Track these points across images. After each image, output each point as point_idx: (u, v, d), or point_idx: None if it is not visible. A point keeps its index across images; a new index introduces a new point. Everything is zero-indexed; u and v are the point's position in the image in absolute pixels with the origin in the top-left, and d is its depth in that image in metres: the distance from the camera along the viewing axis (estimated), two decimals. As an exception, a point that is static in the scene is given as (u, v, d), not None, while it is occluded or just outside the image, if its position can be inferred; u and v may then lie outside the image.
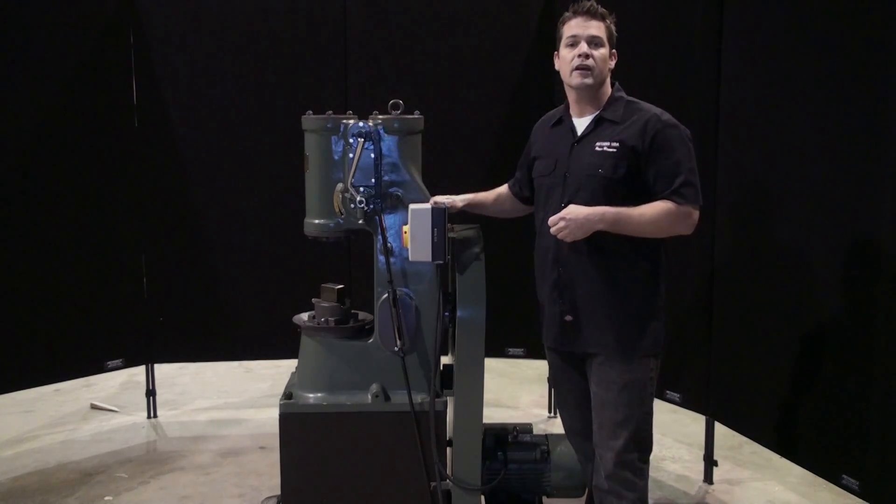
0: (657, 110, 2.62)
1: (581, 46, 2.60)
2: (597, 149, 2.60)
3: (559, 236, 2.53)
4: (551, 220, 2.52)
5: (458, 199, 2.84)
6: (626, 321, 2.62)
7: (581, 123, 2.69)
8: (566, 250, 2.63)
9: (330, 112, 2.74)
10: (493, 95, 4.38)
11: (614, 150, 2.57)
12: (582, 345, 2.67)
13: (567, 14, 2.68)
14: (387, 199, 2.69)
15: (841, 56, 2.90)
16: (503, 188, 3.02)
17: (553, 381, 2.93)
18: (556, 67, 2.72)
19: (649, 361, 2.65)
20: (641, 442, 2.65)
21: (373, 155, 2.66)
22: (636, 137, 2.56)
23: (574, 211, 2.50)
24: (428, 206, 2.59)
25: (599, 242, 2.57)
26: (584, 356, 2.70)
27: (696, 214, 2.58)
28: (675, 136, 2.57)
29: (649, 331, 2.63)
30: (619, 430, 2.60)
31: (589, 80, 2.61)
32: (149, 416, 4.66)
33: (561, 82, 2.73)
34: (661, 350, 2.68)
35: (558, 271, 2.67)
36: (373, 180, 2.67)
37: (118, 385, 5.26)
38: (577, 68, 2.60)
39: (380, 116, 2.69)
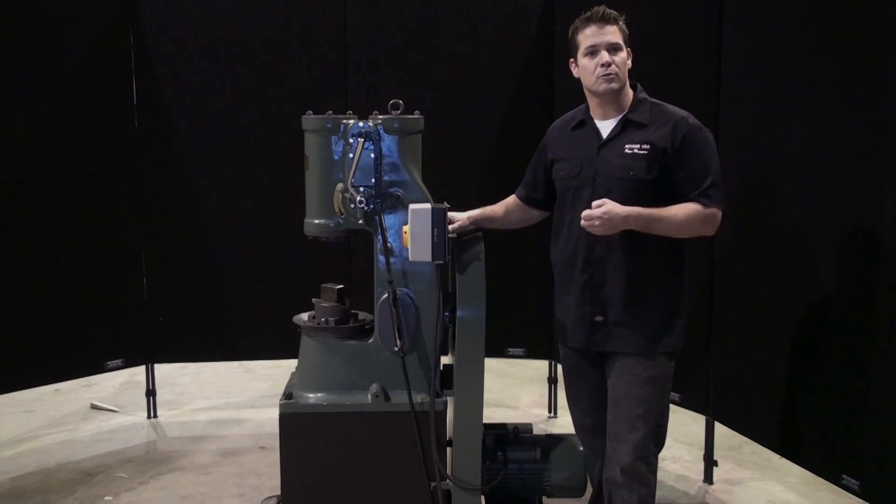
0: (684, 113, 2.67)
1: (602, 55, 2.63)
2: (626, 151, 2.64)
3: (589, 230, 2.55)
4: (586, 213, 2.53)
5: (466, 217, 2.89)
6: (656, 320, 2.67)
7: (605, 126, 2.72)
8: (597, 252, 2.66)
9: (330, 112, 2.74)
10: (493, 95, 4.38)
11: (645, 151, 2.61)
12: (613, 344, 2.70)
13: (579, 22, 2.70)
14: (387, 199, 2.68)
15: (840, 53, 2.90)
16: (510, 199, 3.03)
17: (566, 376, 2.93)
18: (576, 76, 2.75)
19: (671, 358, 2.71)
20: (658, 436, 2.70)
21: (373, 155, 2.66)
22: (666, 140, 2.61)
23: (613, 209, 2.51)
24: (428, 206, 2.59)
25: (630, 244, 2.62)
26: (606, 353, 2.74)
27: (720, 216, 2.64)
28: (703, 138, 2.63)
29: (675, 328, 2.69)
30: (638, 423, 2.63)
31: (615, 85, 2.65)
32: (149, 416, 4.66)
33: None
34: (681, 347, 2.73)
35: (589, 273, 2.69)
36: (373, 180, 2.67)
37: (118, 385, 5.26)
38: (601, 76, 2.64)
39: (380, 116, 2.69)
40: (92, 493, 3.74)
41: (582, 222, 2.54)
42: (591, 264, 2.69)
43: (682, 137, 2.60)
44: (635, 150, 2.62)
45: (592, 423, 2.84)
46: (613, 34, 2.64)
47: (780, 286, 3.20)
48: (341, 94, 4.30)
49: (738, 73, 3.39)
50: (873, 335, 2.78)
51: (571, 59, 2.75)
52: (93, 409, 4.88)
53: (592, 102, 2.76)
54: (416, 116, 2.73)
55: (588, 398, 2.85)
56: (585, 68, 2.68)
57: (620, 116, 2.69)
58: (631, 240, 2.61)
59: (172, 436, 4.49)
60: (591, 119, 2.75)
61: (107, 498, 3.70)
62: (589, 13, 2.67)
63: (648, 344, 2.65)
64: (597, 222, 2.50)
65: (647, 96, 2.73)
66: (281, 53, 4.34)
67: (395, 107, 2.69)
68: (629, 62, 2.70)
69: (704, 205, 2.58)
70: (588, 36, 2.66)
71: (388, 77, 4.33)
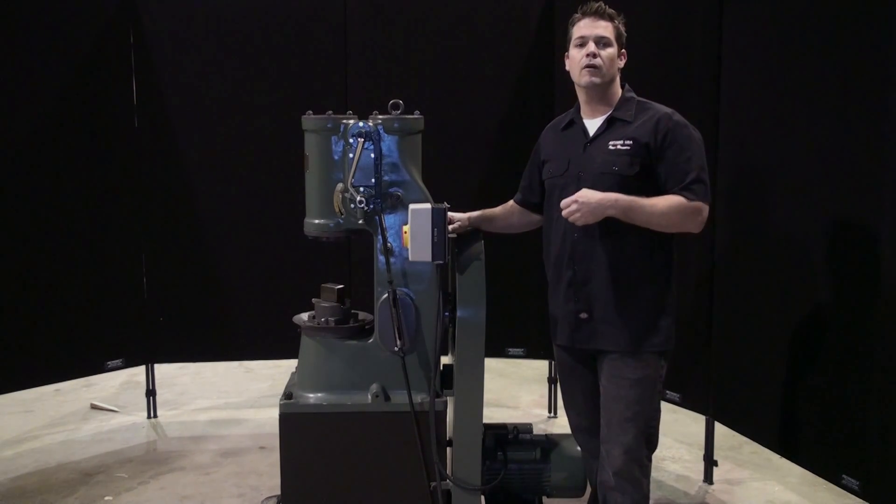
0: (668, 109, 2.68)
1: (589, 46, 2.66)
2: (610, 147, 2.65)
3: (570, 219, 2.55)
4: (564, 202, 2.54)
5: (466, 218, 2.89)
6: (641, 318, 2.65)
7: (593, 124, 2.73)
8: (581, 249, 2.67)
9: (330, 112, 2.74)
10: (494, 95, 4.38)
11: (628, 147, 2.62)
12: (597, 342, 2.69)
13: (576, 15, 2.74)
14: (387, 199, 2.69)
15: (840, 53, 2.90)
16: (509, 203, 3.04)
17: (561, 378, 2.95)
18: (567, 68, 2.78)
19: (660, 359, 2.69)
20: (649, 438, 2.69)
21: (373, 155, 2.66)
22: (648, 134, 2.61)
23: (587, 195, 2.52)
24: (428, 206, 2.59)
25: (614, 240, 2.62)
26: (595, 353, 2.73)
27: (705, 212, 2.61)
28: (686, 134, 2.63)
29: (662, 328, 2.67)
30: (628, 426, 2.63)
31: (597, 79, 2.66)
32: (149, 416, 4.66)
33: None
34: (672, 348, 2.72)
35: (573, 269, 2.70)
36: (373, 180, 2.67)
37: (118, 385, 5.26)
38: (585, 67, 2.66)
39: (380, 116, 2.69)
40: (92, 493, 3.74)
41: (563, 212, 2.55)
42: (575, 261, 2.69)
43: (665, 132, 2.60)
44: (618, 146, 2.63)
45: (588, 424, 2.84)
46: (605, 29, 2.67)
47: (780, 286, 3.20)
48: (341, 94, 4.30)
49: (738, 74, 3.39)
50: (873, 335, 2.78)
51: (566, 53, 2.78)
52: (93, 409, 4.88)
53: (581, 99, 2.78)
54: (416, 116, 2.73)
55: (583, 400, 2.85)
56: (573, 59, 2.72)
57: (607, 115, 2.71)
58: (615, 236, 2.61)
59: (172, 436, 4.49)
60: (580, 118, 2.78)
61: (107, 498, 3.70)
62: (585, 6, 2.72)
63: (633, 343, 2.64)
64: (574, 206, 2.51)
65: (634, 95, 2.75)
66: (281, 53, 4.34)
67: (395, 107, 2.69)
68: (621, 62, 2.71)
69: (688, 198, 2.57)
70: (580, 28, 2.70)
71: (388, 77, 4.33)
